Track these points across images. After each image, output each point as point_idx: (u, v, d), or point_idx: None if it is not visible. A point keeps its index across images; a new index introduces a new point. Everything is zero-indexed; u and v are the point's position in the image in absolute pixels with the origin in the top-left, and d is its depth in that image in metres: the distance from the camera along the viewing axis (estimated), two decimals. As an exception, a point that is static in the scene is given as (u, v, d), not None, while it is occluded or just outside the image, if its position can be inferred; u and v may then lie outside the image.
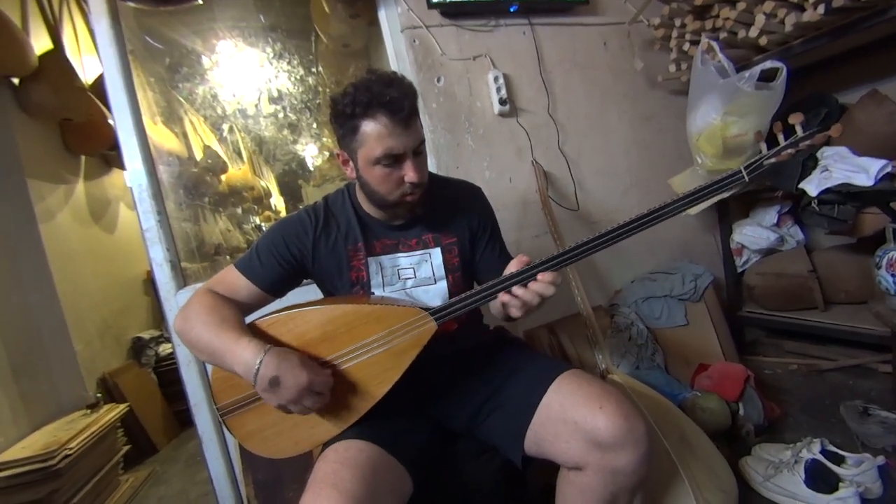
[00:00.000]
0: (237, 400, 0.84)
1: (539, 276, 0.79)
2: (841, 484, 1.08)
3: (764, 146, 0.86)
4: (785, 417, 1.48)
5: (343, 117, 0.85)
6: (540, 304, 0.81)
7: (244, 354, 0.76)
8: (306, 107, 2.28)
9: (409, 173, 0.85)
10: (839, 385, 1.61)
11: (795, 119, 0.84)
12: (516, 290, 0.80)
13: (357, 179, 0.93)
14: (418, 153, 0.87)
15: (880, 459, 1.10)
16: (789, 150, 0.82)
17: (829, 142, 0.96)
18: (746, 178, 0.82)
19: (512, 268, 0.82)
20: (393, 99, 0.81)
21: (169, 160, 1.72)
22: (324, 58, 2.31)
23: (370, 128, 0.83)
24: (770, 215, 1.87)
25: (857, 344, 1.66)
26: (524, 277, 0.80)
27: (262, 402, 0.80)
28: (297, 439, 0.85)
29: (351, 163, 0.91)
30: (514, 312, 0.83)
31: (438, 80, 1.66)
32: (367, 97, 0.81)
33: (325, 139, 2.43)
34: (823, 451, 1.15)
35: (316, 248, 0.95)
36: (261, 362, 0.74)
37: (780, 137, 0.84)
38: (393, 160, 0.85)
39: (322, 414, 0.83)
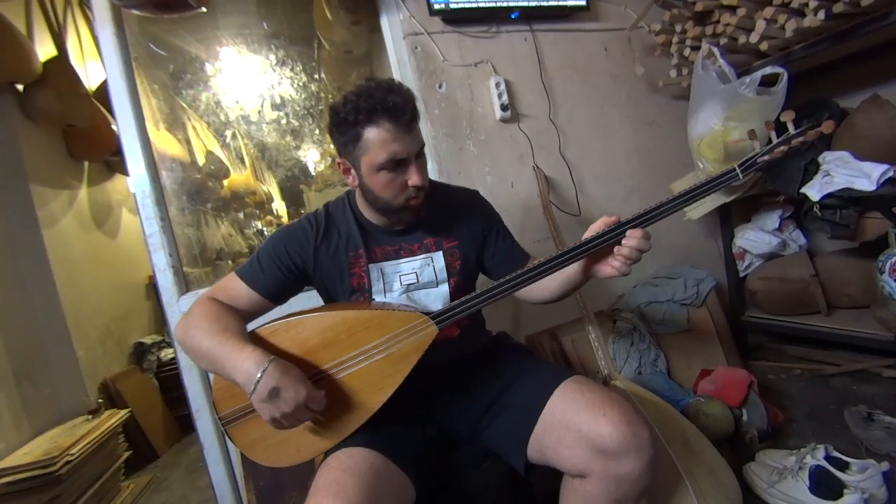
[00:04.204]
0: (239, 409, 0.84)
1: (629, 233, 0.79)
2: (846, 490, 1.08)
3: (757, 144, 0.87)
4: (789, 423, 1.47)
5: (345, 125, 0.85)
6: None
7: (247, 364, 0.76)
8: (309, 113, 2.29)
9: (413, 177, 0.86)
10: (843, 390, 1.60)
11: (787, 117, 0.85)
12: (623, 246, 0.79)
13: (360, 187, 0.93)
14: (419, 157, 0.89)
15: (885, 465, 1.09)
16: (782, 148, 0.83)
17: (824, 139, 0.96)
18: (741, 176, 0.83)
19: (596, 228, 0.81)
20: (395, 104, 0.82)
21: (172, 166, 1.73)
22: (326, 64, 2.33)
23: (374, 134, 0.83)
24: (772, 220, 1.87)
25: (861, 348, 1.65)
26: (594, 245, 0.81)
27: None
28: (299, 448, 0.85)
29: (353, 171, 0.91)
30: (624, 269, 0.80)
31: (440, 87, 1.66)
32: (369, 104, 0.82)
33: (327, 145, 2.44)
34: (828, 458, 1.14)
35: (317, 255, 0.95)
36: (263, 372, 0.74)
37: (773, 136, 0.85)
38: (397, 165, 0.85)
39: (324, 422, 0.83)
